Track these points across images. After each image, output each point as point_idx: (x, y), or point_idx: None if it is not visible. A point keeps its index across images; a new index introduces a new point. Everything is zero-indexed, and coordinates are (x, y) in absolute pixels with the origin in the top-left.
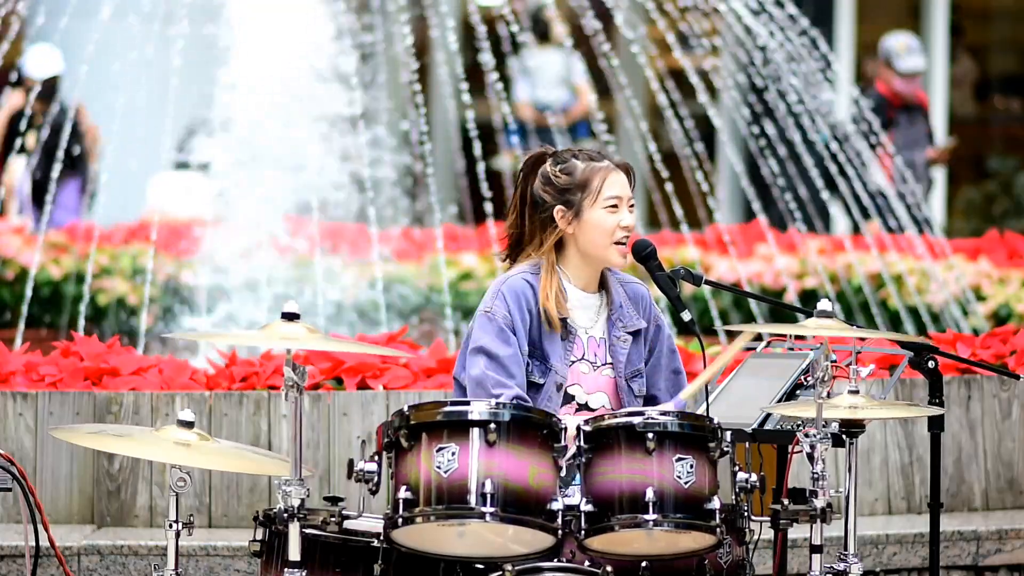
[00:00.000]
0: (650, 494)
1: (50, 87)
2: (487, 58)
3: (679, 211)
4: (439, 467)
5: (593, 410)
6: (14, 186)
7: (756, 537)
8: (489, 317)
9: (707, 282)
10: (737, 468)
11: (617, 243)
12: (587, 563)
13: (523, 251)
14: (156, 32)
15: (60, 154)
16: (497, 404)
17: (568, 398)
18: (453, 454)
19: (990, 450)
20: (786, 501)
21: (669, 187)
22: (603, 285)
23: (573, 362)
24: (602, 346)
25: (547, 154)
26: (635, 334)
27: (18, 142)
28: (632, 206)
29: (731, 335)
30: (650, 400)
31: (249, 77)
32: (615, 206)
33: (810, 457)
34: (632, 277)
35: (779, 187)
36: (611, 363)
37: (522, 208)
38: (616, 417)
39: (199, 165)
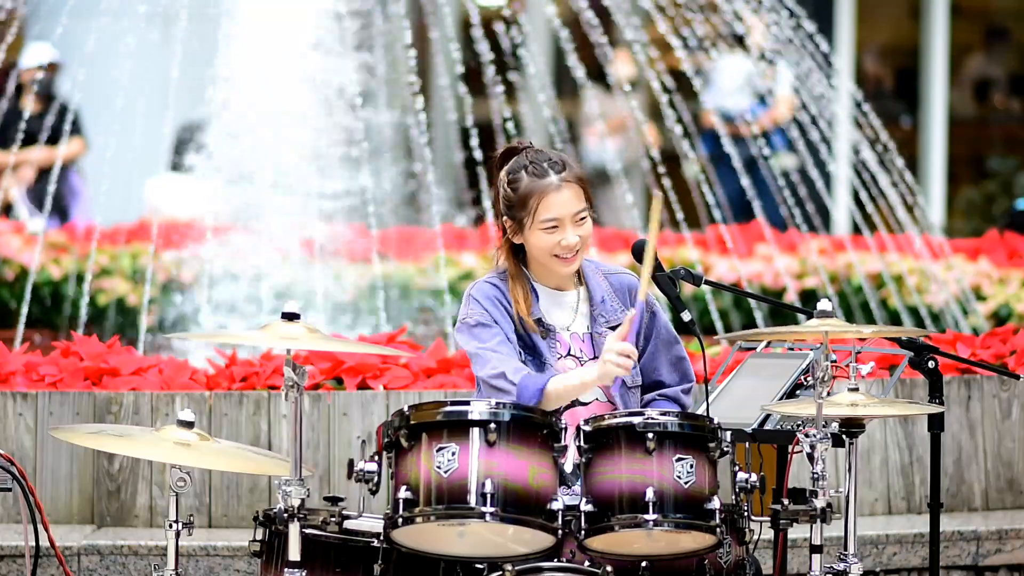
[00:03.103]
0: (650, 494)
1: (47, 83)
2: (487, 57)
3: (679, 211)
4: (439, 467)
5: (585, 405)
6: (23, 189)
7: (756, 537)
8: (466, 323)
9: (707, 282)
10: (737, 468)
11: (557, 257)
12: (587, 563)
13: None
14: (155, 32)
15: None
16: (497, 404)
17: None
18: (453, 454)
19: (990, 450)
20: (786, 501)
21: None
22: (581, 280)
23: (559, 358)
24: (587, 341)
25: (517, 149)
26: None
27: (17, 144)
28: (581, 219)
29: (731, 339)
30: (655, 386)
31: (246, 78)
32: (554, 227)
33: (810, 457)
34: (620, 268)
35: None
36: (597, 358)
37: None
38: (616, 417)
39: (198, 152)
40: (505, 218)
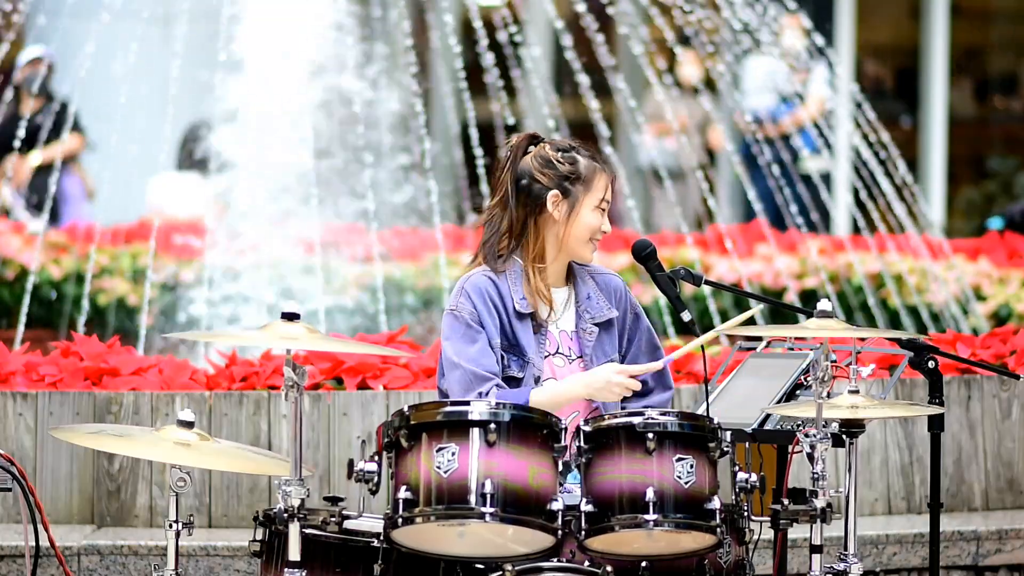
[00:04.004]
0: (650, 494)
1: (42, 80)
2: (487, 57)
3: (679, 211)
4: (439, 467)
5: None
6: (19, 190)
7: (756, 537)
8: (456, 315)
9: (707, 282)
10: (737, 468)
11: (592, 240)
12: (587, 563)
13: (506, 242)
14: (156, 32)
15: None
16: (497, 404)
17: None
18: (453, 454)
19: (990, 450)
20: (786, 501)
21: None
22: (569, 278)
23: (547, 356)
24: (574, 339)
25: (538, 137)
26: (606, 324)
27: (16, 143)
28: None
29: (732, 339)
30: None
31: (247, 78)
32: (603, 210)
33: (810, 457)
34: (606, 269)
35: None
36: (583, 356)
37: (513, 192)
38: (616, 417)
39: (202, 161)
40: (552, 193)
